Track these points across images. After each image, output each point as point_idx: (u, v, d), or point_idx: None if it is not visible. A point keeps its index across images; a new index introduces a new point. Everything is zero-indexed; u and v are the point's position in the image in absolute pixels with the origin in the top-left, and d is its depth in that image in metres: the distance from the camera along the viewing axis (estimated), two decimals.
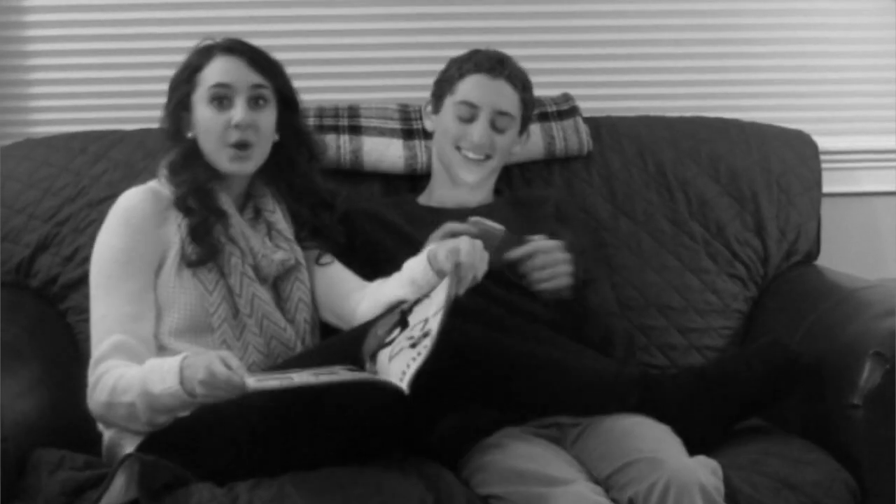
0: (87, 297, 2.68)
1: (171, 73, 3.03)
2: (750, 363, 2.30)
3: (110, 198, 2.72)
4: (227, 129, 2.41)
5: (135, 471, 2.09)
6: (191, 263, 2.37)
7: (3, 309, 2.57)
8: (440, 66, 2.74)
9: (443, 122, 2.70)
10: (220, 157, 2.43)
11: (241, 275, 2.40)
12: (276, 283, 2.49)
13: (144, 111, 3.02)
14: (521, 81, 2.69)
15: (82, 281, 2.71)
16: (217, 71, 2.45)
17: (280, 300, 2.48)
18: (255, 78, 2.45)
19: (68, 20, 3.08)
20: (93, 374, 2.29)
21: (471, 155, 2.66)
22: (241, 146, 2.41)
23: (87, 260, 2.68)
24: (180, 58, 3.04)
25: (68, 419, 2.53)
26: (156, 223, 2.39)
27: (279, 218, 2.53)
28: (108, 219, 2.41)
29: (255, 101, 2.44)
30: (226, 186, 2.47)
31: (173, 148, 2.48)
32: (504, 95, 2.67)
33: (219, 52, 2.47)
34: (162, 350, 2.35)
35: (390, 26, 3.16)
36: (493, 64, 2.67)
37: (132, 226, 2.38)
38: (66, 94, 3.10)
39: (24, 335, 2.50)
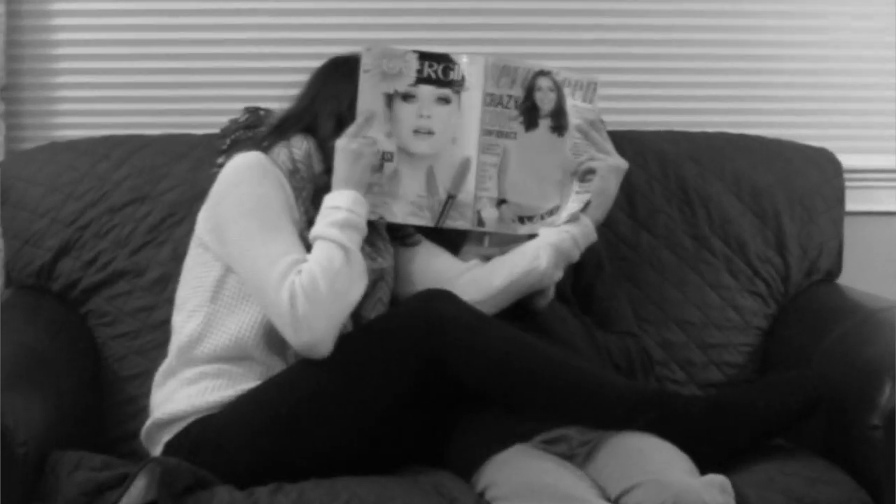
0: (107, 300, 2.73)
1: (196, 78, 3.08)
2: (769, 397, 2.29)
3: (132, 202, 2.76)
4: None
5: (156, 473, 2.10)
6: None
7: (24, 312, 2.58)
8: None
9: None
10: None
11: None
12: None
13: (169, 117, 3.06)
14: None
15: (103, 285, 2.74)
16: None
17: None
18: None
19: (94, 25, 3.09)
20: (300, 297, 2.22)
21: None
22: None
23: (108, 264, 2.73)
24: (204, 64, 3.09)
25: (88, 422, 2.55)
26: (287, 187, 2.39)
27: None
28: (236, 175, 2.38)
29: None
30: None
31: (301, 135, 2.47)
32: None
33: None
34: (243, 348, 2.33)
35: (411, 36, 3.15)
36: None
37: (272, 178, 2.37)
38: (90, 99, 3.10)
39: (45, 338, 2.51)
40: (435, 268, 2.53)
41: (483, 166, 2.48)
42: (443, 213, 2.48)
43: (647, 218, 2.90)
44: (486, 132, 2.47)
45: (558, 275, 2.47)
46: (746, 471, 2.25)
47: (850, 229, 2.99)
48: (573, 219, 2.47)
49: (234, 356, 2.33)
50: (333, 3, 3.15)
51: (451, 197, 2.47)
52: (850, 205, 2.98)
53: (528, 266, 2.44)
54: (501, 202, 2.49)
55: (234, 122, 2.77)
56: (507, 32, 3.16)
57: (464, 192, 2.47)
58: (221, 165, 2.55)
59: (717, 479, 2.09)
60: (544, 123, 2.50)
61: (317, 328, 2.23)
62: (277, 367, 2.33)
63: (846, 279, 2.95)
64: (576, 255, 2.47)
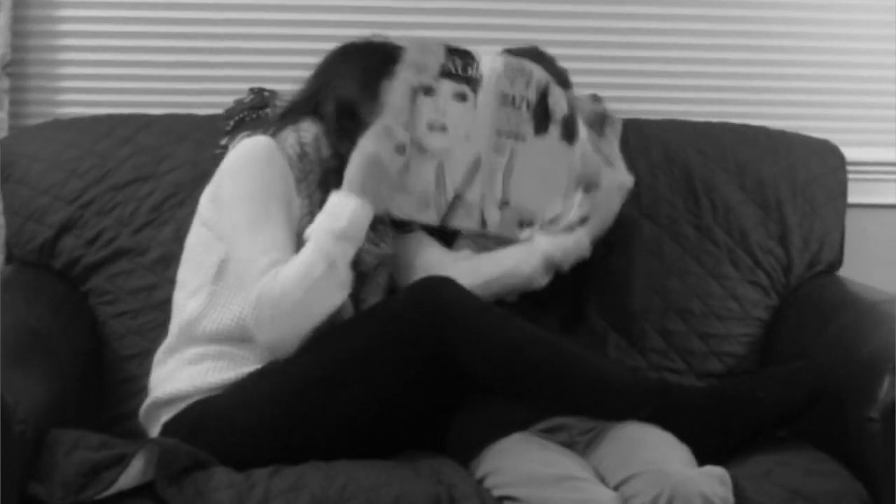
0: (108, 279, 2.72)
1: (201, 58, 3.07)
2: (771, 388, 2.29)
3: (135, 181, 2.75)
4: None
5: (154, 454, 2.11)
6: None
7: (25, 289, 2.58)
8: None
9: None
10: None
11: None
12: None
13: (173, 96, 3.04)
14: (555, 74, 2.64)
15: (104, 263, 2.74)
16: None
17: (360, 282, 2.44)
18: None
19: (100, 2, 3.08)
20: (266, 301, 2.24)
21: None
22: None
23: (110, 242, 2.73)
24: (210, 43, 3.08)
25: (88, 401, 2.55)
26: (289, 177, 2.39)
27: None
28: (240, 160, 2.39)
29: None
30: None
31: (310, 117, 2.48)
32: None
33: None
34: (246, 328, 2.33)
35: (419, 20, 3.15)
36: (529, 56, 2.62)
37: (275, 167, 2.36)
38: (94, 76, 3.08)
39: (46, 316, 2.51)
40: (425, 256, 2.52)
41: (491, 166, 2.46)
42: (449, 211, 2.45)
43: (650, 207, 2.90)
44: (497, 132, 2.46)
45: (544, 280, 2.47)
46: (743, 462, 2.26)
47: (852, 221, 2.99)
48: (568, 230, 2.45)
49: (236, 337, 2.33)
50: None
51: (457, 196, 2.45)
52: (852, 197, 2.98)
53: (512, 267, 2.44)
54: (504, 204, 2.47)
55: (238, 102, 2.77)
56: (511, 18, 3.15)
57: (471, 191, 2.45)
58: (225, 147, 2.55)
59: (716, 471, 2.10)
60: (554, 130, 2.48)
61: (278, 332, 2.26)
62: None
63: (847, 271, 2.96)
64: (565, 267, 2.46)
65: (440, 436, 2.38)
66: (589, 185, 2.47)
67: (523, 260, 2.44)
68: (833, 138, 3.02)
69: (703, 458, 2.18)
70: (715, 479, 2.07)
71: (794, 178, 2.92)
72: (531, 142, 2.47)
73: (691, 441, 2.23)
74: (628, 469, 2.12)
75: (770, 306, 2.88)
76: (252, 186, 2.35)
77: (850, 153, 3.01)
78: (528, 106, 2.46)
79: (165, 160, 2.77)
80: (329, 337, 2.30)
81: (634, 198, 2.87)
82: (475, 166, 2.45)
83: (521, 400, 2.32)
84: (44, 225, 2.74)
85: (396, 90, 2.39)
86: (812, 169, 2.95)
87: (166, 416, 2.34)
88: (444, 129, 2.43)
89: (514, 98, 2.46)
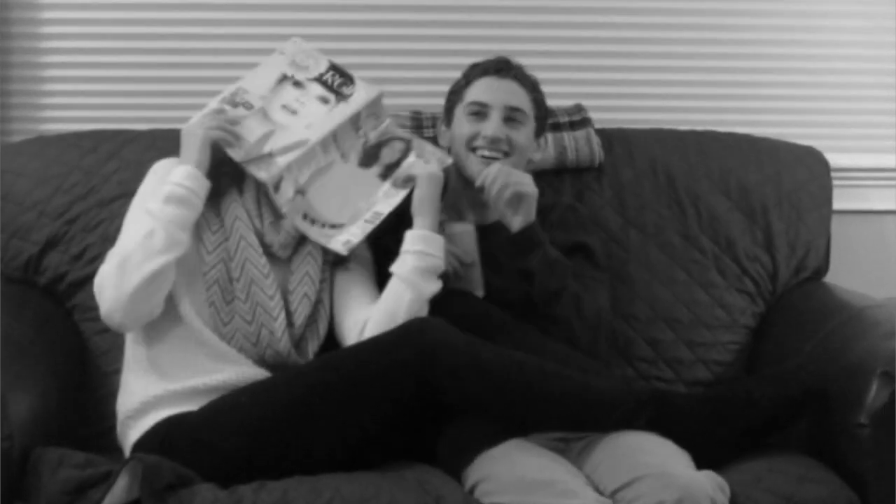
0: (93, 295, 2.68)
1: (185, 73, 3.08)
2: (763, 392, 2.29)
3: (121, 197, 2.74)
4: None
5: (138, 471, 2.09)
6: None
7: (10, 306, 2.57)
8: (453, 74, 2.73)
9: (455, 129, 2.68)
10: None
11: (241, 238, 2.45)
12: (292, 259, 2.51)
13: (157, 111, 3.06)
14: (529, 82, 2.69)
15: (90, 279, 2.70)
16: None
17: (288, 275, 2.50)
18: None
19: (83, 18, 3.09)
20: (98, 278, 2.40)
21: (486, 153, 2.62)
22: None
23: (96, 259, 2.71)
24: (193, 58, 3.08)
25: (72, 417, 2.55)
26: None
27: None
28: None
29: None
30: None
31: None
32: (514, 93, 2.66)
33: None
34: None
35: (403, 32, 3.17)
36: (500, 65, 2.67)
37: (158, 175, 2.48)
38: (79, 93, 3.10)
39: (31, 332, 2.50)
40: (351, 294, 2.54)
41: (312, 154, 2.55)
42: (255, 159, 2.51)
43: (637, 216, 2.90)
44: (334, 137, 2.58)
45: (433, 287, 2.46)
46: (734, 469, 2.26)
47: (838, 228, 2.99)
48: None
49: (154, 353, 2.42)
50: None
51: (270, 154, 2.51)
52: (838, 203, 2.99)
53: (412, 296, 2.43)
54: (300, 192, 2.53)
55: None
56: (497, 30, 3.16)
57: (282, 158, 2.51)
58: None
59: (717, 478, 2.10)
60: (376, 169, 2.60)
61: (102, 288, 2.38)
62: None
63: (833, 277, 2.96)
64: (440, 264, 2.46)
65: (428, 446, 2.38)
66: (404, 181, 2.56)
67: (405, 290, 2.42)
68: (818, 145, 3.03)
69: (698, 464, 2.18)
70: (716, 485, 2.07)
71: (779, 186, 2.93)
72: (352, 166, 2.59)
73: (688, 447, 2.23)
74: (630, 473, 2.11)
75: (757, 313, 2.89)
76: (139, 194, 2.51)
77: (834, 159, 3.02)
78: (365, 141, 2.60)
79: None
80: (313, 365, 2.36)
81: (620, 206, 2.89)
82: (300, 145, 2.54)
83: (521, 427, 2.31)
84: (29, 241, 2.74)
85: (267, 69, 2.61)
86: (797, 176, 2.95)
87: (134, 433, 2.35)
88: (294, 113, 2.57)
89: (360, 128, 2.60)
